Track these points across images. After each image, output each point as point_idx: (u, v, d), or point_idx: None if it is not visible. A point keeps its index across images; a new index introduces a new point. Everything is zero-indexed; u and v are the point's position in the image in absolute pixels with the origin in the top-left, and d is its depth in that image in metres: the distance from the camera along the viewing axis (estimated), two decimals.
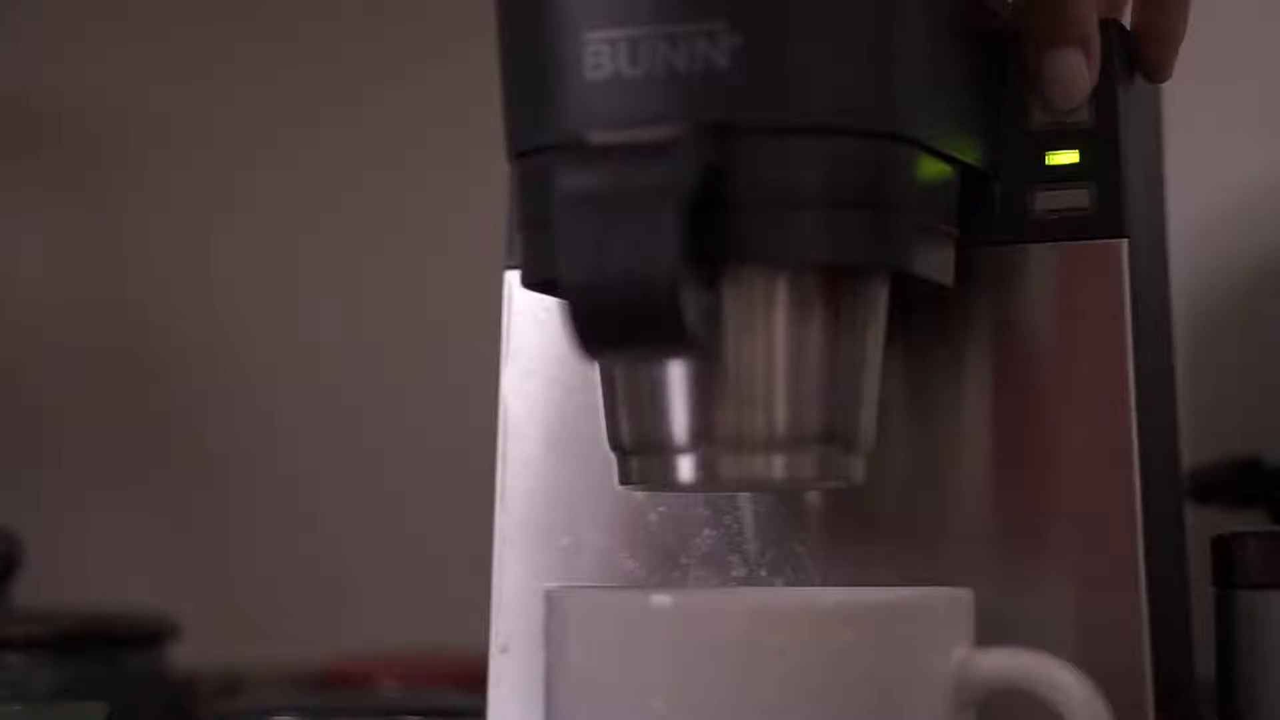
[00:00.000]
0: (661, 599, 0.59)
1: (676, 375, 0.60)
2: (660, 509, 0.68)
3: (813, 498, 0.67)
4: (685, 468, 0.60)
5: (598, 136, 0.57)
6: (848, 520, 0.66)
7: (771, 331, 0.60)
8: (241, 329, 1.07)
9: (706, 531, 0.68)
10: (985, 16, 0.65)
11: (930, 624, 0.58)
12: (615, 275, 0.54)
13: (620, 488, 0.63)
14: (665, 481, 0.61)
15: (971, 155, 0.64)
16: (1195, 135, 0.88)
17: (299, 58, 1.08)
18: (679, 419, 0.60)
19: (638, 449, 0.61)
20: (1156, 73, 0.69)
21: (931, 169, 0.61)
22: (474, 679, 0.88)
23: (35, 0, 1.07)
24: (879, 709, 0.57)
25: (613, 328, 0.55)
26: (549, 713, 0.60)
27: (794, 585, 0.67)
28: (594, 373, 0.69)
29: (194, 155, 1.07)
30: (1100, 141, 0.65)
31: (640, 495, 0.68)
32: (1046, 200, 0.66)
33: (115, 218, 1.06)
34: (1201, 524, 0.79)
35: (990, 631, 0.63)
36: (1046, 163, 0.66)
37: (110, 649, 0.84)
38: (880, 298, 0.62)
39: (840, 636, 0.56)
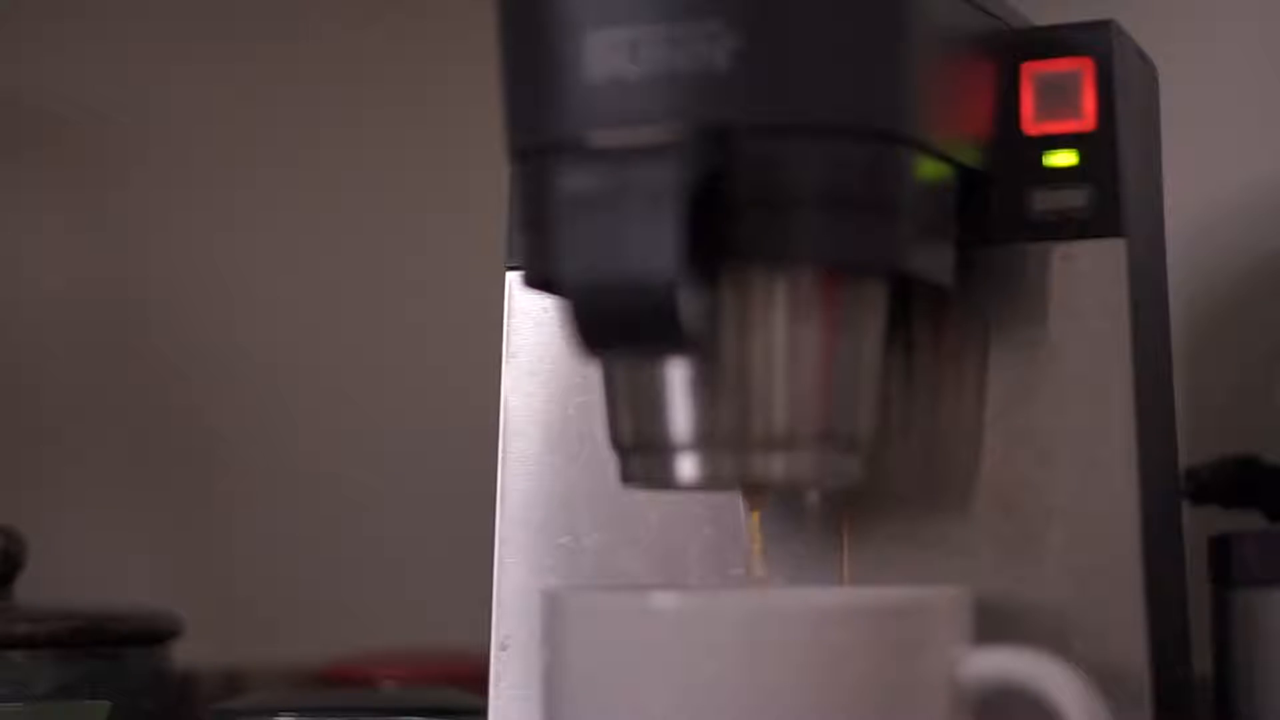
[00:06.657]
0: (661, 599, 0.59)
1: (677, 375, 0.60)
2: (660, 508, 0.68)
3: (812, 497, 0.67)
4: (686, 467, 0.60)
5: (598, 137, 0.58)
6: (847, 520, 0.67)
7: (771, 331, 0.60)
8: (242, 328, 1.07)
9: (706, 531, 0.68)
10: (984, 18, 0.65)
11: (929, 623, 0.58)
12: (615, 275, 0.54)
13: (620, 487, 0.63)
14: (666, 481, 0.61)
15: (970, 156, 0.64)
16: (1195, 134, 0.88)
17: (299, 57, 1.08)
18: (679, 418, 0.60)
19: (638, 448, 0.61)
20: None
21: (930, 170, 0.61)
22: (474, 678, 0.88)
23: (35, 0, 1.07)
24: (878, 708, 0.57)
25: (613, 327, 0.55)
26: (548, 713, 0.60)
27: (794, 585, 0.67)
28: (594, 373, 0.69)
29: (195, 154, 1.07)
30: (1098, 143, 0.65)
31: (640, 495, 0.68)
32: (1044, 201, 0.66)
33: (116, 217, 1.07)
34: (1199, 523, 0.79)
35: (990, 631, 0.63)
36: (1044, 163, 0.66)
37: (113, 648, 0.84)
38: (880, 298, 0.62)
39: (840, 636, 0.57)
